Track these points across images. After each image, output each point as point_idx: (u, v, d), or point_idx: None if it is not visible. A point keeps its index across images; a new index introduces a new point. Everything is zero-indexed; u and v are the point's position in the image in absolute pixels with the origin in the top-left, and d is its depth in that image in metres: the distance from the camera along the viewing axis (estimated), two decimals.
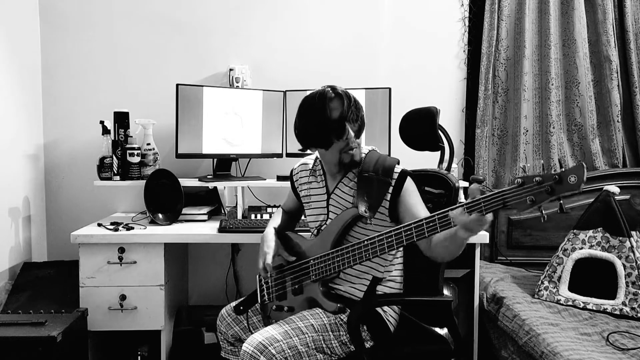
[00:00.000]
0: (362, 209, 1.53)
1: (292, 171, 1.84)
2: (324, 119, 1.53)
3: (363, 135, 2.48)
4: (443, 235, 1.39)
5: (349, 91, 1.58)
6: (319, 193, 1.69)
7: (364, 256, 1.47)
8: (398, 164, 1.60)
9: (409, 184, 1.57)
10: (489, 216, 1.27)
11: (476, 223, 1.26)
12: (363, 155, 1.63)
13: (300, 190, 1.79)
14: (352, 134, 1.55)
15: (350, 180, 1.62)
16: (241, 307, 1.75)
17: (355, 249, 1.49)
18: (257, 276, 1.77)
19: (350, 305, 1.55)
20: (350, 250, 1.50)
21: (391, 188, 1.55)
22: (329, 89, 1.56)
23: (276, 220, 1.85)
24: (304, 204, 1.77)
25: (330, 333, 1.51)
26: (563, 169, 1.16)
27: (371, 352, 1.54)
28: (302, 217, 1.92)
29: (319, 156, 1.70)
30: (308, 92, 2.50)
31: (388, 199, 1.55)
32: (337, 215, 1.60)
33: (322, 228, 1.65)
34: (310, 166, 1.75)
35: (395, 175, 1.56)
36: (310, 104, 1.57)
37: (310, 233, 1.74)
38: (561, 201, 1.19)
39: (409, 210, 1.54)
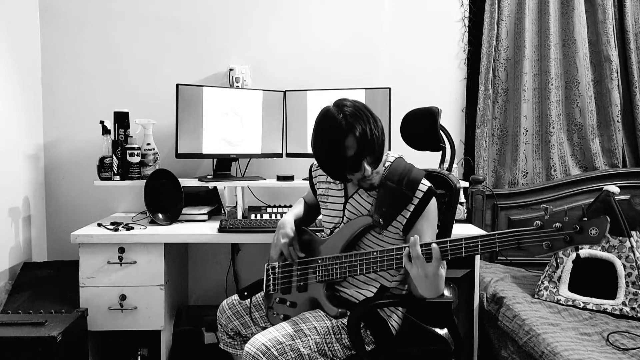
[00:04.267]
0: (378, 218, 1.51)
1: (311, 166, 1.81)
2: (338, 157, 1.46)
3: None
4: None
5: (364, 109, 1.48)
6: (337, 195, 1.67)
7: (370, 268, 1.46)
8: (424, 177, 1.55)
9: (432, 207, 1.53)
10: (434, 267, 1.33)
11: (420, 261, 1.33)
12: (389, 163, 1.59)
13: (318, 188, 1.76)
14: (368, 169, 1.47)
15: None
16: (245, 293, 1.74)
17: (364, 259, 1.48)
18: (265, 265, 1.77)
19: (352, 308, 1.55)
20: (358, 260, 1.49)
21: (413, 207, 1.51)
22: (342, 118, 1.44)
23: (297, 208, 1.83)
24: (320, 203, 1.75)
25: (333, 336, 1.50)
26: (585, 219, 1.13)
27: (372, 354, 1.53)
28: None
29: None
30: (310, 91, 2.53)
31: (407, 216, 1.52)
32: (350, 221, 1.59)
33: (336, 230, 1.64)
34: None
35: (420, 194, 1.51)
36: (325, 135, 1.48)
37: (322, 232, 1.73)
38: (579, 251, 1.17)
39: (417, 232, 1.50)
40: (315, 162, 1.78)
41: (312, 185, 1.81)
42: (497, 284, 2.30)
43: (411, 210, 1.52)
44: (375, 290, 1.56)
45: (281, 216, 2.17)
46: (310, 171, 1.81)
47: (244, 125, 2.55)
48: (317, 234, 1.73)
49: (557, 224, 1.15)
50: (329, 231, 1.67)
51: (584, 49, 2.73)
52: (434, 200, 1.54)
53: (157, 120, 2.57)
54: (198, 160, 2.75)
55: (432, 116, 1.82)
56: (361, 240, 1.58)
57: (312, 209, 1.87)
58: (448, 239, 1.35)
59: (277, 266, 1.73)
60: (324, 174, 1.72)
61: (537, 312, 1.97)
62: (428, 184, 1.54)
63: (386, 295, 1.60)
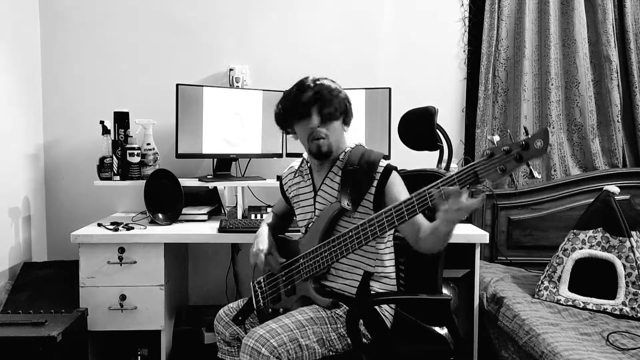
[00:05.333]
0: (345, 202, 1.55)
1: (281, 176, 1.87)
2: (292, 101, 1.61)
3: (362, 135, 2.50)
4: (430, 228, 1.42)
5: (336, 87, 1.62)
6: (307, 191, 1.70)
7: (350, 247, 1.47)
8: (384, 158, 1.61)
9: (394, 177, 1.58)
10: (473, 200, 1.27)
11: (454, 203, 1.26)
12: (348, 149, 1.65)
13: (289, 193, 1.80)
14: (315, 122, 1.56)
15: (336, 174, 1.63)
16: (240, 318, 1.75)
17: (341, 240, 1.49)
18: (251, 282, 1.78)
19: (345, 300, 1.56)
20: (336, 243, 1.50)
21: (375, 182, 1.56)
22: (315, 80, 1.64)
23: (268, 220, 1.87)
24: (293, 205, 1.78)
25: (329, 325, 1.52)
26: (528, 136, 1.19)
27: (369, 349, 1.54)
28: (294, 218, 1.93)
29: (305, 155, 1.73)
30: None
31: (373, 192, 1.56)
32: (321, 212, 1.61)
33: (310, 226, 1.66)
34: (297, 167, 1.78)
35: (380, 169, 1.57)
36: (290, 89, 1.66)
37: (300, 233, 1.75)
38: (530, 167, 1.21)
39: (393, 200, 1.52)
40: (284, 172, 1.85)
41: (283, 192, 1.85)
42: (497, 284, 2.30)
43: (375, 185, 1.56)
44: (359, 278, 1.57)
45: None
46: (281, 180, 1.86)
47: (244, 125, 2.55)
48: (293, 235, 1.75)
49: (504, 147, 1.20)
50: (304, 229, 1.70)
51: (584, 49, 2.72)
52: (394, 173, 1.58)
53: (157, 120, 2.57)
54: (198, 160, 2.75)
55: (429, 116, 1.82)
56: (336, 229, 1.60)
57: (282, 219, 1.91)
58: (413, 194, 1.36)
59: (262, 279, 1.74)
60: (292, 177, 1.78)
61: (537, 312, 1.97)
62: (387, 162, 1.60)
63: (382, 292, 1.61)
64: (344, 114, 1.62)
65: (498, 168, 1.21)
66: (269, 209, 2.48)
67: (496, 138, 1.25)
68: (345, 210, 1.55)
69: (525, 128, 1.25)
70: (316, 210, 1.66)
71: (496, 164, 1.21)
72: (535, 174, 1.23)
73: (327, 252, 1.53)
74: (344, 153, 1.64)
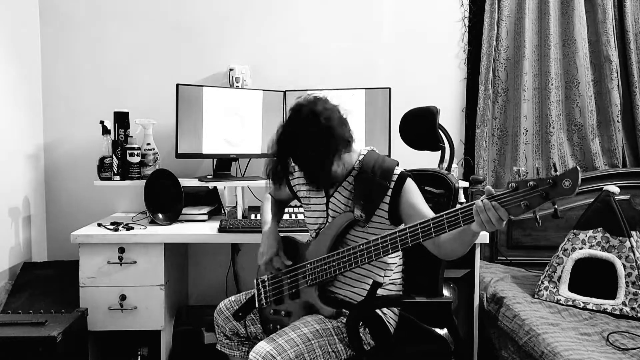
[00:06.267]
0: (358, 212, 1.52)
1: (291, 168, 1.81)
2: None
3: (362, 135, 2.50)
4: (452, 234, 1.36)
5: (309, 129, 1.53)
6: (319, 196, 1.67)
7: (359, 260, 1.46)
8: (397, 165, 1.57)
9: (409, 184, 1.54)
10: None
11: (496, 213, 1.22)
12: (362, 156, 1.61)
13: (298, 191, 1.77)
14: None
15: (350, 183, 1.60)
16: (240, 314, 1.74)
17: (351, 253, 1.47)
18: (255, 280, 1.77)
19: (350, 308, 1.55)
20: (346, 255, 1.49)
21: (390, 190, 1.53)
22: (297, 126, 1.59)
23: (269, 211, 1.85)
24: (303, 205, 1.76)
25: (335, 337, 1.50)
26: (557, 173, 1.14)
27: (371, 353, 1.53)
28: (302, 217, 1.92)
29: None
30: (308, 92, 2.52)
31: (387, 201, 1.53)
32: (333, 219, 1.59)
33: (320, 231, 1.64)
34: None
35: (395, 177, 1.53)
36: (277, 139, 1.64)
37: (308, 235, 1.73)
38: (556, 205, 1.16)
39: (412, 208, 1.50)
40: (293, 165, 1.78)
41: (289, 186, 1.80)
42: (497, 284, 2.30)
43: (389, 194, 1.52)
44: (367, 287, 1.56)
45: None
46: (288, 174, 1.79)
47: (244, 125, 2.55)
48: (300, 235, 1.74)
49: (531, 182, 1.16)
50: (314, 233, 1.67)
51: (584, 49, 2.72)
52: (409, 180, 1.54)
53: (157, 120, 2.57)
54: (198, 160, 2.75)
55: (430, 115, 1.81)
56: (347, 237, 1.58)
57: (281, 205, 1.92)
58: (430, 218, 1.34)
59: (266, 279, 1.73)
60: (302, 176, 1.70)
61: (537, 312, 1.97)
62: (401, 169, 1.56)
63: (383, 296, 1.60)
64: (339, 142, 1.50)
65: (522, 203, 1.17)
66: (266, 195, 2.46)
67: (522, 170, 1.21)
68: (357, 220, 1.53)
69: (554, 164, 1.20)
70: (329, 217, 1.63)
71: (520, 199, 1.17)
72: (559, 214, 1.17)
73: (336, 262, 1.51)
74: (357, 162, 1.60)
